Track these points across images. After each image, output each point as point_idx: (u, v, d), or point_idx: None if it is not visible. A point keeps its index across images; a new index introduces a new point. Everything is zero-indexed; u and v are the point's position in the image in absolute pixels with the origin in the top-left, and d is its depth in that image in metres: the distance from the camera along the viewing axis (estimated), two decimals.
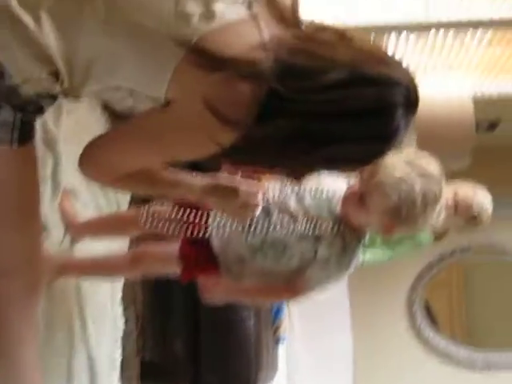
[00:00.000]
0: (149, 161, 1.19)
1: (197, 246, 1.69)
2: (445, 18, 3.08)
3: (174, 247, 1.73)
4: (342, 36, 1.08)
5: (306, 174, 1.27)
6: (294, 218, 1.68)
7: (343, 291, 4.27)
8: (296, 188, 1.73)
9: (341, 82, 1.04)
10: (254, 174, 1.45)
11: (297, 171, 1.20)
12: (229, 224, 1.68)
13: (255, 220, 1.64)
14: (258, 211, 1.57)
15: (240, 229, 1.65)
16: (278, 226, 1.67)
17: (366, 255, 2.78)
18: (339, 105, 1.04)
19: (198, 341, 2.53)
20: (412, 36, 3.29)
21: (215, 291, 1.69)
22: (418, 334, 4.47)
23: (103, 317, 2.05)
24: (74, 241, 1.88)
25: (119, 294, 2.24)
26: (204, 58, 1.04)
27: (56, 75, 1.12)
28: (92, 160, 1.19)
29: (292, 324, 3.95)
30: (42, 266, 1.39)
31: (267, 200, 1.68)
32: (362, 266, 2.79)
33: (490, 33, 3.21)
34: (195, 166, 1.32)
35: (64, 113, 1.83)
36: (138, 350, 2.48)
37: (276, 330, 3.21)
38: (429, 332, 4.47)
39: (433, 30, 3.13)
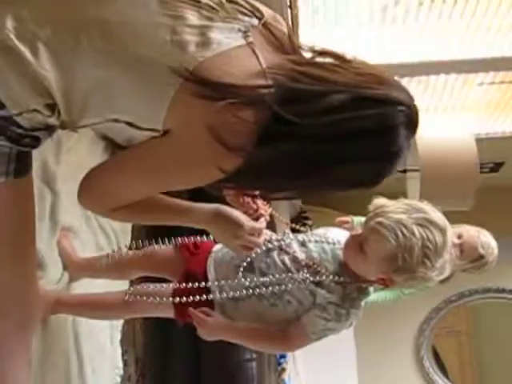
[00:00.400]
0: (150, 190, 1.18)
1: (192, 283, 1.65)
2: (447, 57, 3.11)
3: (168, 287, 1.70)
4: (341, 59, 1.09)
5: (308, 197, 1.25)
6: (295, 260, 1.63)
7: (349, 335, 4.20)
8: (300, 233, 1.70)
9: (342, 105, 1.04)
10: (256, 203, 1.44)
11: (298, 194, 1.20)
12: (226, 261, 1.65)
13: (254, 258, 1.61)
14: (258, 248, 1.55)
15: (237, 264, 1.62)
16: (280, 266, 1.62)
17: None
18: (341, 127, 1.04)
19: None
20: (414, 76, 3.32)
21: (207, 326, 1.63)
22: (427, 378, 4.37)
23: (102, 357, 2.00)
24: (72, 279, 1.85)
25: (119, 336, 2.19)
26: (203, 86, 1.03)
27: (52, 108, 1.11)
28: (90, 189, 1.18)
29: (297, 368, 3.87)
30: (35, 304, 1.36)
31: (269, 238, 1.65)
32: (365, 305, 2.75)
33: (492, 73, 3.24)
34: (198, 195, 1.31)
35: (64, 150, 1.82)
36: None
37: (281, 372, 3.14)
38: (437, 377, 4.37)
39: (435, 70, 3.15)
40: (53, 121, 1.13)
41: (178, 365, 2.55)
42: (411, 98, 1.12)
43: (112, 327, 2.15)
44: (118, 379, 2.15)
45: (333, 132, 1.05)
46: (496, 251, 2.56)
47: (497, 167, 4.27)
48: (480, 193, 3.44)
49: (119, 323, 2.21)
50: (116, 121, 1.12)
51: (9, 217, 1.25)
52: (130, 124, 1.12)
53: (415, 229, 1.45)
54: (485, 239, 2.54)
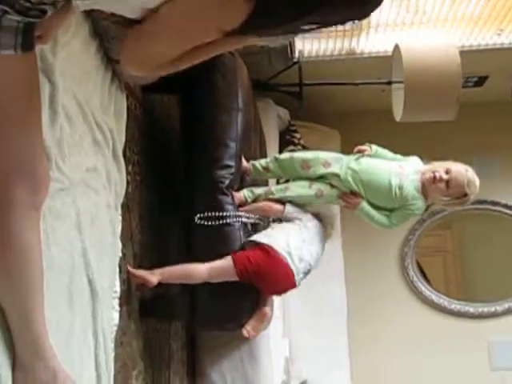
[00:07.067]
0: (181, 44, 1.25)
1: None
2: None
3: None
4: None
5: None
6: None
7: (336, 246, 4.38)
8: None
9: None
10: None
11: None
12: None
13: None
14: None
15: None
16: None
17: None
18: None
19: None
20: None
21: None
22: (411, 286, 4.58)
23: (102, 246, 2.13)
24: None
25: (119, 228, 2.32)
26: None
27: None
28: (131, 58, 1.28)
29: None
30: (44, 171, 1.47)
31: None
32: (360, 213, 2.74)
33: None
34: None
35: (59, 45, 1.89)
36: (137, 287, 2.58)
37: None
38: (420, 284, 4.58)
39: None
40: None
41: (173, 259, 2.70)
42: None
43: (112, 221, 2.28)
44: (117, 269, 2.29)
45: None
46: (478, 189, 2.60)
47: (481, 81, 4.35)
48: (464, 107, 3.55)
49: (119, 218, 2.34)
50: None
51: (18, 88, 1.33)
52: None
53: None
54: (471, 177, 2.58)
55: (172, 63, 1.29)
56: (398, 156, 2.77)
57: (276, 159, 2.81)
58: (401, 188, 2.58)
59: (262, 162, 2.85)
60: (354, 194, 2.63)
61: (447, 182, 2.56)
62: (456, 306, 4.53)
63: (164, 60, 1.27)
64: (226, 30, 1.19)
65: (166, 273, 2.52)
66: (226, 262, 2.50)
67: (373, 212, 2.66)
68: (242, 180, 2.77)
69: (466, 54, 3.63)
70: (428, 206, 2.74)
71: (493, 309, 4.47)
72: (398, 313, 4.51)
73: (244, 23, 1.17)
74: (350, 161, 2.68)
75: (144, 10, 1.23)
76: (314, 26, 1.25)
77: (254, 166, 2.81)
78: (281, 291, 2.73)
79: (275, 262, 2.52)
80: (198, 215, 2.54)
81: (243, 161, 2.76)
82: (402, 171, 2.63)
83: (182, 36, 1.22)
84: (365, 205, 2.62)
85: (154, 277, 2.49)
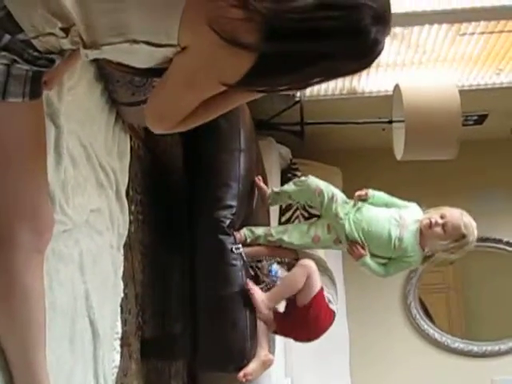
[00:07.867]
0: (194, 98, 1.29)
1: None
2: (428, 8, 3.21)
3: None
4: None
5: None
6: None
7: (338, 284, 4.35)
8: None
9: (307, 7, 1.16)
10: None
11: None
12: None
13: None
14: None
15: None
16: None
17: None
18: (308, 25, 1.15)
19: (195, 318, 2.62)
20: (398, 29, 3.43)
21: None
22: (414, 324, 4.55)
23: (105, 286, 2.14)
24: None
25: (121, 270, 2.32)
26: None
27: (66, 31, 1.22)
28: (150, 116, 1.33)
29: None
30: (49, 214, 1.48)
31: None
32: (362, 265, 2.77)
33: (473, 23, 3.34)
34: None
35: (65, 90, 1.92)
36: (138, 327, 2.58)
37: None
38: (423, 322, 4.55)
39: (417, 21, 3.26)
40: (66, 43, 1.25)
41: (175, 301, 2.70)
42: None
43: (114, 262, 2.29)
44: (119, 309, 2.29)
45: (307, 28, 1.16)
46: (476, 232, 2.63)
47: (481, 119, 4.39)
48: (465, 145, 3.58)
49: (121, 259, 2.35)
50: (135, 41, 1.22)
51: (25, 133, 1.36)
52: (148, 43, 1.22)
53: None
54: (467, 220, 2.61)
55: (188, 119, 1.32)
56: (400, 202, 2.78)
57: (294, 182, 2.89)
58: (400, 240, 2.62)
59: (280, 187, 2.96)
60: (359, 245, 2.66)
61: (443, 226, 2.59)
62: (459, 344, 4.49)
63: (178, 113, 1.30)
64: (227, 83, 1.22)
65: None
66: (316, 284, 2.64)
67: (373, 265, 2.70)
68: (246, 218, 2.79)
69: (465, 92, 3.68)
70: (428, 257, 2.76)
71: (497, 348, 4.43)
72: (401, 351, 4.47)
73: (246, 76, 1.20)
74: (351, 209, 2.72)
75: (152, 61, 1.27)
76: (317, 80, 1.29)
77: (273, 191, 2.88)
78: (311, 340, 2.81)
79: (331, 317, 2.73)
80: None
81: (263, 185, 2.86)
82: (402, 222, 2.66)
83: (190, 85, 1.25)
84: (368, 259, 2.66)
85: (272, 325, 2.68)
